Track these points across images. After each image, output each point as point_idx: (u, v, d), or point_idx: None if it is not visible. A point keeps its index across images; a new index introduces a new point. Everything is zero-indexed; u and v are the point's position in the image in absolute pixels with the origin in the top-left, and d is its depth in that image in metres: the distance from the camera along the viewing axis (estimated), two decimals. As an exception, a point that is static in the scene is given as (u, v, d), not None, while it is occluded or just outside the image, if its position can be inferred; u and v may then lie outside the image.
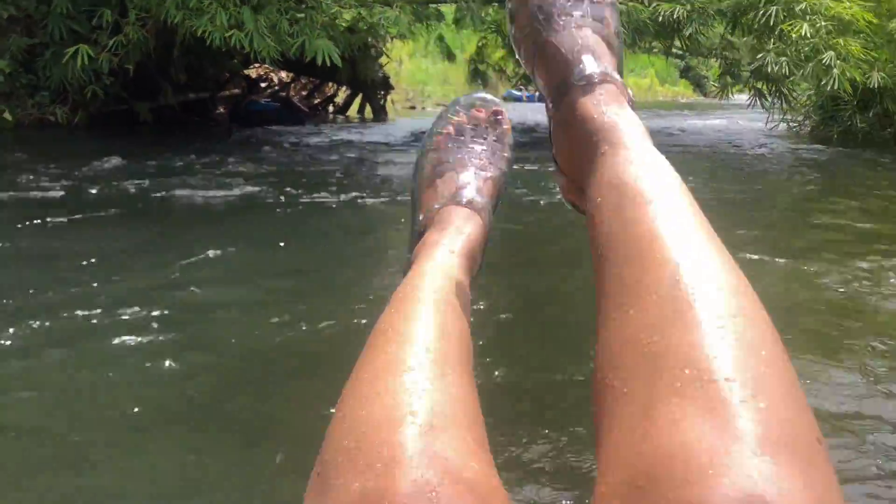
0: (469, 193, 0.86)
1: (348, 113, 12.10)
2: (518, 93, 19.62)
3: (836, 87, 5.43)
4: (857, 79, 5.60)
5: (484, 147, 0.91)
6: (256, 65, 10.68)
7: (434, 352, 0.59)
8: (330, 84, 11.84)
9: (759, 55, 5.51)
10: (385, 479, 0.48)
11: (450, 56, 10.99)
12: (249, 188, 4.18)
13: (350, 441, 0.52)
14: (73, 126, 7.34)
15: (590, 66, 0.68)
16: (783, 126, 10.35)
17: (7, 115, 6.73)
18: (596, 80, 0.67)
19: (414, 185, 0.93)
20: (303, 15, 6.21)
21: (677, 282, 0.48)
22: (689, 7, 5.90)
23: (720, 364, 0.43)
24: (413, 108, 15.73)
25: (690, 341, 0.45)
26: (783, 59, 5.50)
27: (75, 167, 4.59)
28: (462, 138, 0.92)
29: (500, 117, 0.94)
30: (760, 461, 0.38)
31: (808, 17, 5.54)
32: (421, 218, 0.86)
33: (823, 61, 5.35)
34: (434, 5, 6.54)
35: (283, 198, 3.93)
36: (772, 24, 5.57)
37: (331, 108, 12.28)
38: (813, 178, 5.25)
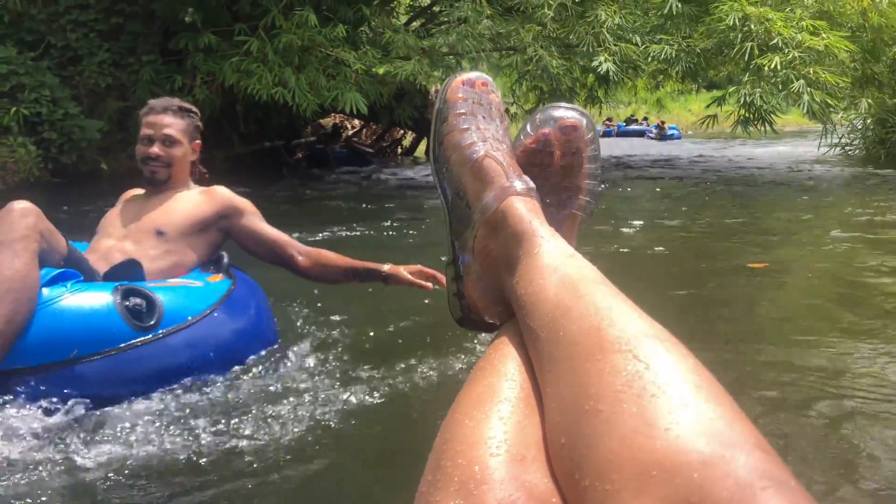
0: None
1: (416, 154, 13.10)
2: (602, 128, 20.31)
3: (807, 111, 5.77)
4: (835, 104, 5.87)
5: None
6: (333, 114, 11.90)
7: (527, 388, 0.63)
8: (397, 128, 12.88)
9: (732, 88, 5.88)
10: (475, 498, 0.52)
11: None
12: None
13: (446, 461, 0.57)
14: (159, 174, 8.66)
15: (522, 180, 0.80)
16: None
17: (103, 165, 8.12)
18: (528, 193, 0.80)
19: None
20: (337, 72, 7.17)
21: (630, 339, 0.55)
22: (676, 47, 6.36)
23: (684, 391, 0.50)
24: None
25: (657, 377, 0.51)
26: (757, 90, 5.85)
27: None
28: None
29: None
30: (755, 451, 0.45)
31: (784, 51, 5.87)
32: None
33: (793, 89, 5.67)
34: (451, 56, 7.32)
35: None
36: (747, 58, 5.93)
37: (399, 150, 13.32)
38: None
